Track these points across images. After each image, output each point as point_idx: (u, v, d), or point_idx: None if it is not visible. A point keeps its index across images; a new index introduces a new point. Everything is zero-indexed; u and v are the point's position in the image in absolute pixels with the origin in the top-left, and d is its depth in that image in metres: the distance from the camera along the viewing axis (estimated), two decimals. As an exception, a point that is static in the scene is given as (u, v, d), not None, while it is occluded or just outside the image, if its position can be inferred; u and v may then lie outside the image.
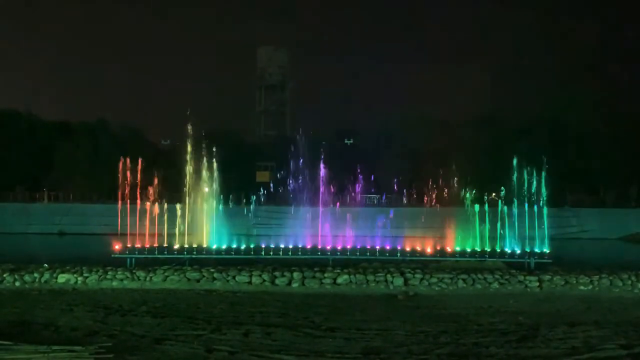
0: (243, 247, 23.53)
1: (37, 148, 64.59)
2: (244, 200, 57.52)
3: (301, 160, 33.10)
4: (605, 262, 24.42)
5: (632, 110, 63.72)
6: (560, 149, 55.20)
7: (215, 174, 28.29)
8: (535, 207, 25.85)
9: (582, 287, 18.69)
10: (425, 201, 56.95)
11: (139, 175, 26.16)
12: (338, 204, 33.08)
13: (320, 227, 27.37)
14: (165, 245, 23.29)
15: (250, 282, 18.69)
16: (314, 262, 21.34)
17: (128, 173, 26.42)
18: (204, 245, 23.72)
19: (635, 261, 28.39)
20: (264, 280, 18.70)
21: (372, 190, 65.22)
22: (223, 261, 21.46)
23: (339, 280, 18.72)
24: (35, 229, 50.21)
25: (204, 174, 27.60)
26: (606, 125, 59.73)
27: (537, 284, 18.76)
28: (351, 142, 75.63)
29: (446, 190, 52.07)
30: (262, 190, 61.26)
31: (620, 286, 18.72)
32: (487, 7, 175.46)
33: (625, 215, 53.12)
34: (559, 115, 62.90)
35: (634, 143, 58.03)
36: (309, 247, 23.42)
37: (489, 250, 23.20)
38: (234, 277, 18.82)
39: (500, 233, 25.12)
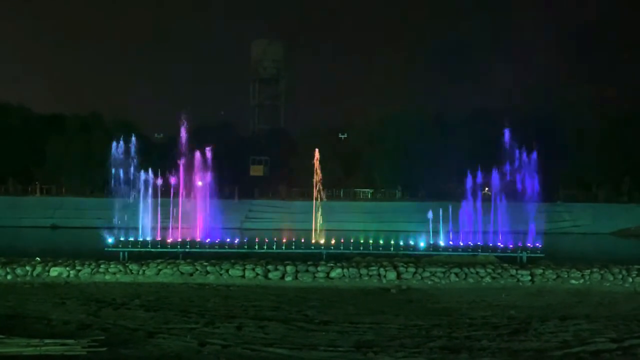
0: (236, 241, 23.55)
1: (30, 141, 64.13)
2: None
3: None
4: (596, 257, 24.58)
5: (625, 106, 64.07)
6: (553, 144, 55.45)
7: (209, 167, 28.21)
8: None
9: (573, 281, 18.82)
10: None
11: None
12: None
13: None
14: (159, 238, 23.24)
15: (243, 276, 18.69)
16: (308, 256, 21.35)
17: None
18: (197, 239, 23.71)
19: (626, 256, 28.65)
20: (257, 274, 18.71)
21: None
22: (216, 255, 21.45)
23: (332, 274, 18.76)
24: (27, 223, 50.00)
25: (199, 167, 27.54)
26: (599, 122, 60.03)
27: (529, 278, 18.86)
28: (345, 136, 75.48)
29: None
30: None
31: (611, 280, 18.86)
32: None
33: (617, 211, 53.59)
34: (553, 110, 63.16)
35: (626, 139, 58.37)
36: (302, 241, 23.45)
37: (481, 244, 23.31)
38: (227, 271, 18.80)
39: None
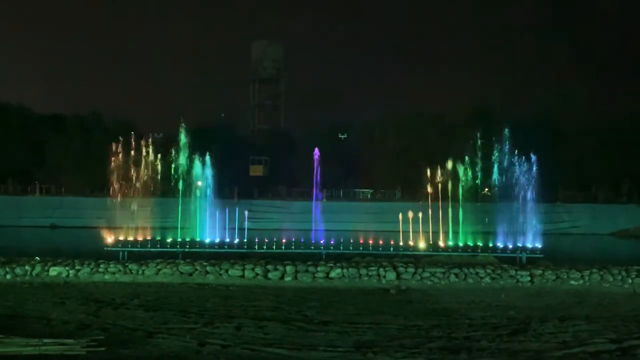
0: (236, 241, 23.54)
1: (29, 141, 64.10)
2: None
3: None
4: (596, 257, 24.58)
5: (624, 107, 64.12)
6: (553, 145, 55.51)
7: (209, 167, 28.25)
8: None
9: (573, 282, 18.82)
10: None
11: None
12: None
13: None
14: (158, 238, 23.23)
15: (243, 276, 18.69)
16: (307, 256, 21.35)
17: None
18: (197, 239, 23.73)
19: (626, 256, 28.66)
20: (257, 274, 18.70)
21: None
22: (216, 255, 21.44)
23: (332, 274, 18.76)
24: (27, 222, 50.02)
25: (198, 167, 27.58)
26: (599, 123, 60.05)
27: (529, 278, 18.86)
28: (345, 136, 75.50)
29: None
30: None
31: (610, 281, 18.86)
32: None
33: (617, 211, 53.58)
34: (553, 111, 63.20)
35: (626, 140, 58.38)
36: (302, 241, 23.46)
37: (481, 245, 23.31)
38: (226, 271, 18.80)
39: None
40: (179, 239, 23.28)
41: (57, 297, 15.85)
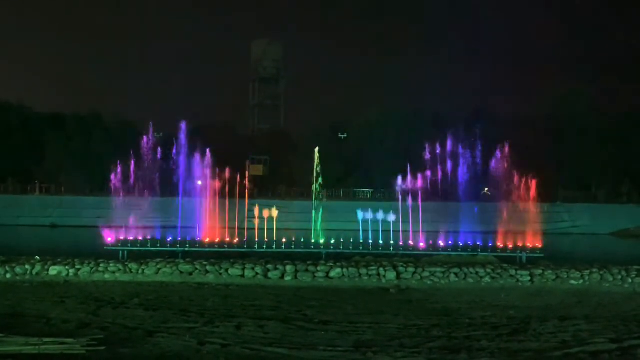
0: (236, 240, 23.54)
1: (29, 140, 64.16)
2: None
3: None
4: (596, 257, 24.56)
5: (624, 107, 64.09)
6: (553, 145, 55.54)
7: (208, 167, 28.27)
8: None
9: (573, 282, 18.82)
10: None
11: None
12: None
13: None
14: (158, 237, 23.22)
15: (243, 276, 18.69)
16: (307, 255, 21.34)
17: None
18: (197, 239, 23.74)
19: (626, 256, 28.65)
20: (257, 274, 18.71)
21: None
22: (216, 254, 21.43)
23: (332, 274, 18.76)
24: (26, 221, 50.07)
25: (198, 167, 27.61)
26: (600, 122, 60.02)
27: (529, 278, 18.86)
28: (345, 136, 75.36)
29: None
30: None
31: (610, 281, 18.86)
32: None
33: (617, 211, 53.63)
34: (553, 110, 63.17)
35: (626, 140, 58.37)
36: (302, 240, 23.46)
37: (481, 244, 23.29)
38: (226, 270, 18.80)
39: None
40: (179, 238, 23.28)
41: (57, 296, 15.85)
